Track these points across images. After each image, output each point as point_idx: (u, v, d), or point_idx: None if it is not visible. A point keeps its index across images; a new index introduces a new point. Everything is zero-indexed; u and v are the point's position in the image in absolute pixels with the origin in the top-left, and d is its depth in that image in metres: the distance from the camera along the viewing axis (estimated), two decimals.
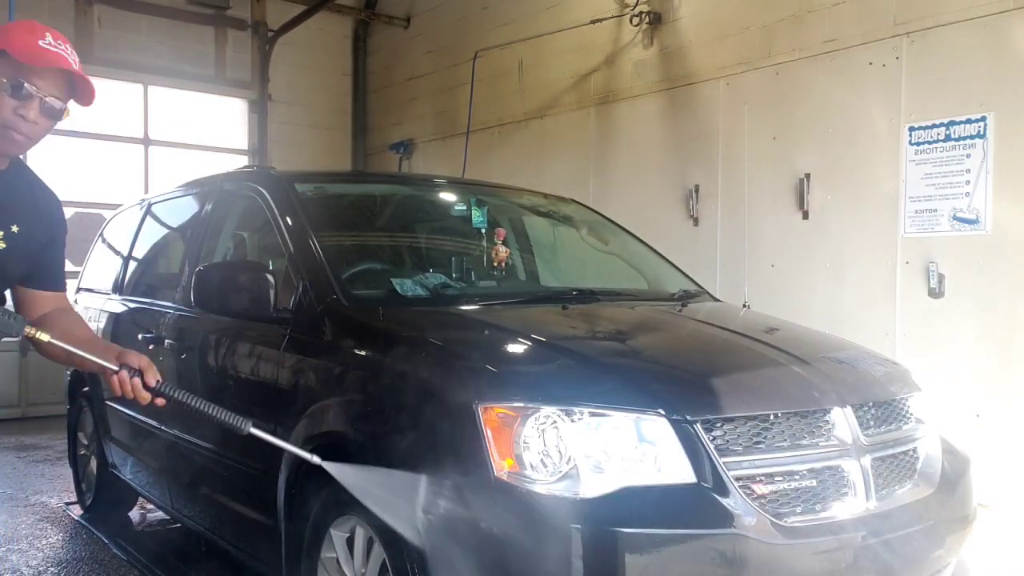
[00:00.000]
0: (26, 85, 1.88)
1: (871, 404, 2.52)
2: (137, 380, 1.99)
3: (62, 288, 2.24)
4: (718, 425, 2.19)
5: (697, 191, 6.37)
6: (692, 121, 6.45)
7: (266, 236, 3.46)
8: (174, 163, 8.99)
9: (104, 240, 5.18)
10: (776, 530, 2.11)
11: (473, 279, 3.35)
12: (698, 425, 2.16)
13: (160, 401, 2.03)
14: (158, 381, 2.01)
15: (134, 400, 2.03)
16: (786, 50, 5.80)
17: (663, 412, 2.16)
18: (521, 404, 2.15)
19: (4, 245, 1.96)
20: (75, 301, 5.12)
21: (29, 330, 1.90)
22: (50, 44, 1.90)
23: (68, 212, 2.40)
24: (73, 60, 1.94)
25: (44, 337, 1.92)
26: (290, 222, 3.19)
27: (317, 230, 3.13)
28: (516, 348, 2.58)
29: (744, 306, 5.54)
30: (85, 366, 2.02)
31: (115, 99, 8.75)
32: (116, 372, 1.98)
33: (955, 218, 4.94)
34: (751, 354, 2.70)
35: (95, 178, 8.63)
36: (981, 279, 4.84)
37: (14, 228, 1.97)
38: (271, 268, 3.09)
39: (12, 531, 4.37)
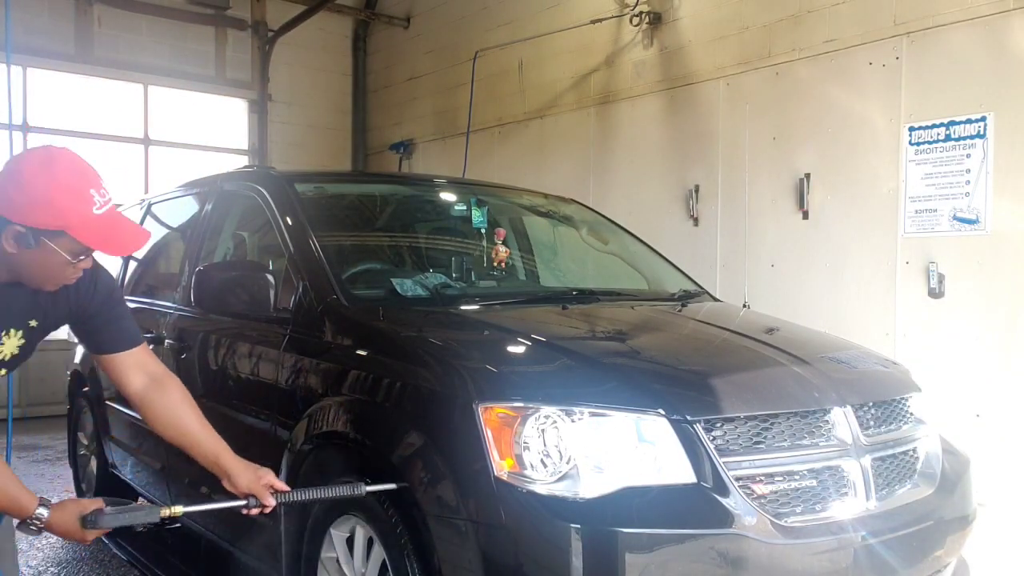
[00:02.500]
0: (89, 256, 1.87)
1: (871, 404, 2.52)
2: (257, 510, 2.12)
3: (133, 344, 2.17)
4: (718, 425, 2.19)
5: (697, 191, 6.37)
6: (692, 121, 6.45)
7: (266, 236, 3.46)
8: (174, 163, 9.00)
9: None
10: (776, 530, 2.11)
11: (473, 279, 3.35)
12: (698, 425, 2.16)
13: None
14: (276, 492, 2.13)
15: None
16: (786, 50, 5.80)
17: (663, 412, 2.16)
18: (521, 404, 2.15)
19: (23, 341, 1.99)
20: None
21: (166, 511, 1.98)
22: (102, 207, 1.79)
23: None
24: (112, 201, 1.85)
25: (179, 511, 2.00)
26: (290, 222, 3.19)
27: (317, 230, 3.13)
28: (516, 348, 2.58)
29: (744, 306, 5.54)
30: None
31: (115, 99, 8.77)
32: (246, 507, 2.12)
33: (955, 218, 4.94)
34: (751, 354, 2.70)
35: None
36: (981, 279, 4.84)
37: (32, 323, 1.99)
38: (271, 268, 3.09)
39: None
